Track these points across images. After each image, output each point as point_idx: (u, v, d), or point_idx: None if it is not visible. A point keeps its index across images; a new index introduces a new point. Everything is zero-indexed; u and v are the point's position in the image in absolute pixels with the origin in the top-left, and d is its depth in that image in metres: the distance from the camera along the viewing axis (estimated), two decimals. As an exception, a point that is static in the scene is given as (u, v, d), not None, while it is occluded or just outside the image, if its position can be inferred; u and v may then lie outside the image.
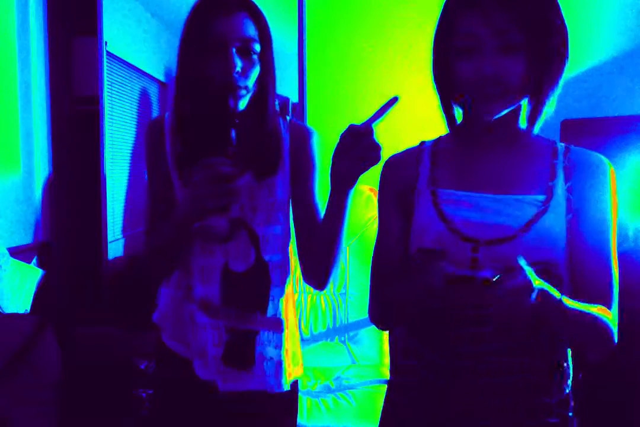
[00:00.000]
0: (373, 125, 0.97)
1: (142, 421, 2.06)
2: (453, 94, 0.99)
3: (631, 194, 2.22)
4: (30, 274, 2.25)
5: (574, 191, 0.97)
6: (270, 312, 1.21)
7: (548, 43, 0.92)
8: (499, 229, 0.94)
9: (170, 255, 1.22)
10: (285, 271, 1.23)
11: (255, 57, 1.12)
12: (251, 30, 1.11)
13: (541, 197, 0.96)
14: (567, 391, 1.02)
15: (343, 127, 0.99)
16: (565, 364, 1.01)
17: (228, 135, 1.08)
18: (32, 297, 2.22)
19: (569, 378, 1.02)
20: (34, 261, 2.45)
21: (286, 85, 2.59)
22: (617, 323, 0.95)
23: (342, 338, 2.52)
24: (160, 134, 1.23)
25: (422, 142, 1.10)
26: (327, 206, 1.12)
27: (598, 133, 2.38)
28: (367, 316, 1.11)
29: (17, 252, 2.29)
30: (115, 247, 2.64)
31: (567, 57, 0.96)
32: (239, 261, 1.19)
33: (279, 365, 1.22)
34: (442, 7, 0.99)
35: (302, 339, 2.48)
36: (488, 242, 0.94)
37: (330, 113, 2.73)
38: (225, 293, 1.19)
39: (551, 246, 0.94)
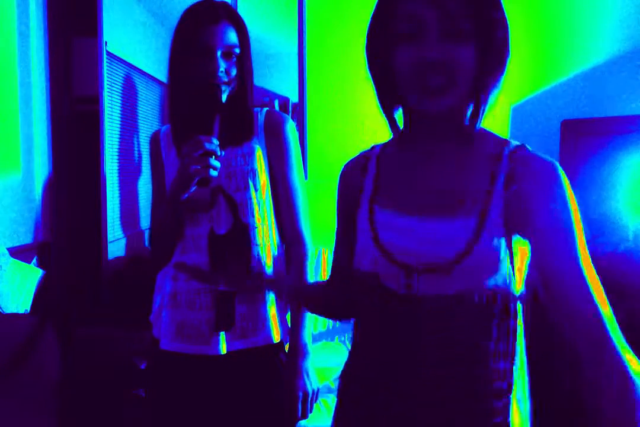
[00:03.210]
0: None
1: (142, 421, 2.06)
2: (393, 89, 0.89)
3: (631, 194, 2.22)
4: (30, 274, 2.25)
5: (514, 201, 0.86)
6: (251, 270, 1.36)
7: (496, 35, 0.84)
8: (433, 257, 0.87)
9: (171, 227, 1.36)
10: (262, 231, 1.37)
11: (234, 59, 1.32)
12: (233, 37, 1.31)
13: (475, 220, 0.87)
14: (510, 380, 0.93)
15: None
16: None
17: (215, 119, 1.24)
18: (32, 297, 2.22)
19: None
20: (34, 261, 2.45)
21: (286, 85, 2.59)
22: (614, 319, 0.83)
23: (342, 338, 2.52)
24: (157, 145, 1.44)
25: (373, 147, 1.03)
26: None
27: (598, 133, 2.38)
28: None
29: (17, 252, 2.29)
30: (115, 247, 2.64)
31: (508, 54, 0.87)
32: (222, 224, 1.34)
33: (255, 321, 1.35)
34: None
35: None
36: (423, 270, 0.88)
37: (330, 113, 2.73)
38: (212, 257, 1.33)
39: (492, 269, 0.86)
